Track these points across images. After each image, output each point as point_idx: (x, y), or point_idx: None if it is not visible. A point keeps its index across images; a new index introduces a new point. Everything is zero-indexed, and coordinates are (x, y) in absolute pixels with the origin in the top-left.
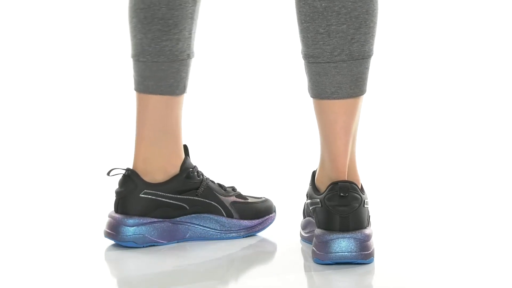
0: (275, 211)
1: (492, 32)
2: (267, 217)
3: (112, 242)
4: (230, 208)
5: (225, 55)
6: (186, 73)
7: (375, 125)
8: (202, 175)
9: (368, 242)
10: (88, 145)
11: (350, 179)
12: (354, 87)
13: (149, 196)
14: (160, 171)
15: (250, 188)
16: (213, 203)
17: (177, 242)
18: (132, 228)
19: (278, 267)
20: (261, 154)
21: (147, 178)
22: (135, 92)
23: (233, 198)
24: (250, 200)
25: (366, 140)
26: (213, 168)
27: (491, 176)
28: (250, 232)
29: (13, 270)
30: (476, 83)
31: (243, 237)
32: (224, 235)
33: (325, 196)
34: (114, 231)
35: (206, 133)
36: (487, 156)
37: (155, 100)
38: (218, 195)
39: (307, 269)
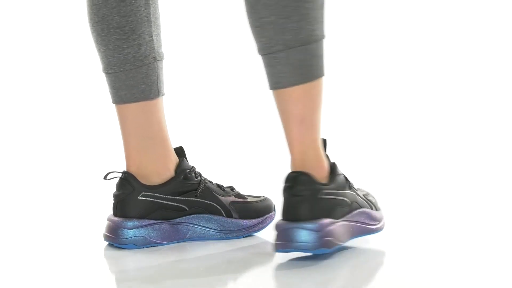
0: (274, 210)
1: (491, 31)
2: (266, 216)
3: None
4: (229, 208)
5: (221, 54)
6: (157, 76)
7: (375, 125)
8: (200, 176)
9: (320, 232)
10: (84, 149)
11: (308, 169)
12: (296, 75)
13: (148, 199)
14: (154, 175)
15: (248, 187)
16: (213, 203)
17: (177, 242)
18: (132, 230)
19: (277, 267)
20: (258, 153)
21: (143, 181)
22: (113, 105)
23: (232, 198)
24: (249, 199)
25: (366, 140)
26: (211, 168)
27: (490, 175)
28: (250, 232)
29: (13, 272)
30: (475, 83)
31: (243, 236)
32: (224, 235)
33: (283, 187)
34: (113, 234)
35: (203, 134)
36: (486, 155)
37: (132, 108)
38: (217, 195)
39: (307, 269)
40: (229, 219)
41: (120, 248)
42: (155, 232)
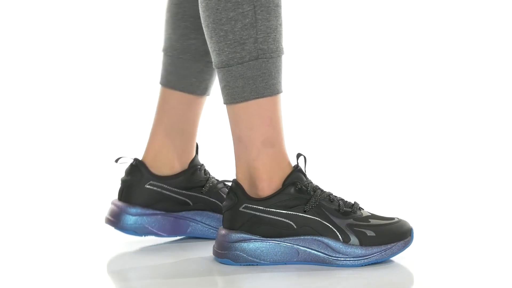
0: None
1: (490, 30)
2: None
3: (111, 232)
4: None
5: None
6: (210, 76)
7: (375, 125)
8: (208, 173)
9: (222, 243)
10: (99, 137)
11: (245, 183)
12: (224, 94)
13: (154, 188)
14: (166, 166)
15: None
16: (217, 201)
17: (177, 236)
18: (134, 217)
19: (275, 268)
20: None
21: (154, 170)
22: (159, 85)
23: None
24: None
25: (366, 140)
26: (216, 166)
27: (489, 178)
28: None
29: (13, 272)
30: (474, 83)
31: None
32: None
33: None
34: (115, 218)
35: (210, 132)
36: (483, 159)
37: (175, 96)
38: (222, 194)
39: (307, 270)
40: None
41: (120, 240)
42: (157, 223)
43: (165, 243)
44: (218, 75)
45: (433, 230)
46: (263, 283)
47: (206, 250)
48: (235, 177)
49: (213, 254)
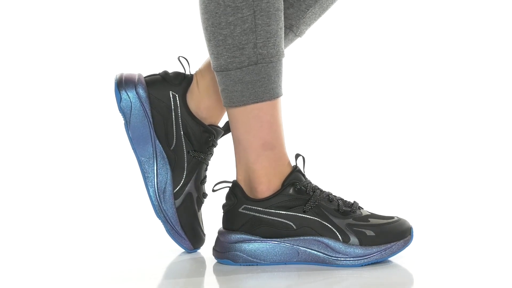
0: None
1: (490, 30)
2: None
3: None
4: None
5: None
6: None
7: (375, 125)
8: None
9: (221, 244)
10: None
11: (245, 184)
12: (223, 97)
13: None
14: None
15: None
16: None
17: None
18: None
19: (275, 268)
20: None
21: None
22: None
23: None
24: None
25: (365, 140)
26: (217, 166)
27: (489, 174)
28: None
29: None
30: (475, 83)
31: None
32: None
33: None
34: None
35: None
36: (485, 155)
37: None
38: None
39: (307, 270)
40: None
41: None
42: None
43: (164, 243)
44: (217, 78)
45: (432, 229)
46: (263, 283)
47: (206, 250)
48: (235, 179)
49: (213, 254)
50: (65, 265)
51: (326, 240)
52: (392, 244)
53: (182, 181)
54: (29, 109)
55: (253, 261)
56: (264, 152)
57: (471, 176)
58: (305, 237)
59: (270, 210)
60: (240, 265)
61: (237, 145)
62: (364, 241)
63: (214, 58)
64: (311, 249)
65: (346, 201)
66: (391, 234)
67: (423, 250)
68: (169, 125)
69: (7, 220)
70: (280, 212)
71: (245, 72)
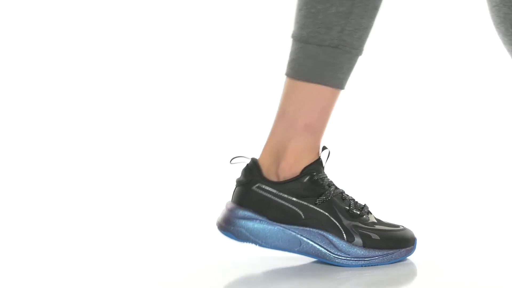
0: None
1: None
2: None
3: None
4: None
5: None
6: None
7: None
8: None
9: (227, 217)
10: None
11: (267, 161)
12: (289, 67)
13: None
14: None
15: None
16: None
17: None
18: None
19: (275, 267)
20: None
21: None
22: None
23: None
24: None
25: (366, 140)
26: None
27: (489, 175)
28: None
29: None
30: (474, 84)
31: None
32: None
33: None
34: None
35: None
36: (499, 168)
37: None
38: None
39: (308, 270)
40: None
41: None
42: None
43: (164, 243)
44: (291, 46)
45: (436, 238)
46: (263, 283)
47: (206, 249)
48: (254, 157)
49: (216, 225)
50: (65, 265)
51: (330, 236)
52: (395, 251)
53: None
54: (29, 109)
55: (254, 241)
56: (304, 133)
57: (481, 188)
58: (311, 229)
59: (282, 195)
60: (241, 241)
61: (280, 116)
62: (368, 244)
63: (299, 27)
64: (314, 242)
65: (357, 202)
66: (395, 241)
67: (425, 254)
68: None
69: (8, 221)
70: (292, 198)
71: (322, 50)
